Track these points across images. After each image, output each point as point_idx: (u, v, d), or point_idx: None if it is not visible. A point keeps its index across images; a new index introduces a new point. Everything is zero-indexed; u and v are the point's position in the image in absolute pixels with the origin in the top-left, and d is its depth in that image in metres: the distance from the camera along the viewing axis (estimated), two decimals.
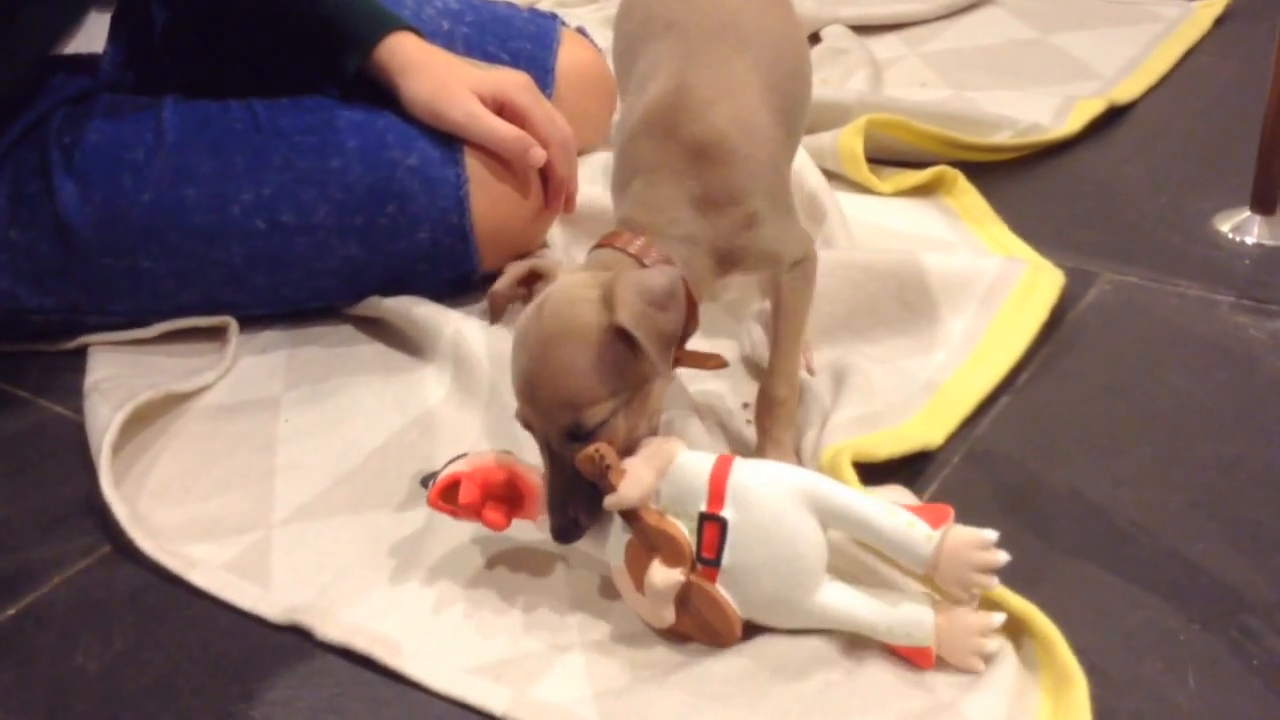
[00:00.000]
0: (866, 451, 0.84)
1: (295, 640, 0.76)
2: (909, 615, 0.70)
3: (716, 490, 0.71)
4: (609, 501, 0.71)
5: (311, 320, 1.09)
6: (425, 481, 0.78)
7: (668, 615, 0.72)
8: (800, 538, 0.70)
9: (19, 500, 0.91)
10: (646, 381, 0.73)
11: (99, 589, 0.82)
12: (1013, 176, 1.28)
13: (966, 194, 1.23)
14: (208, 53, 1.14)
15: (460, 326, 1.01)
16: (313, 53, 1.07)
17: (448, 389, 0.99)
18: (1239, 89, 1.44)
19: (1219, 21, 1.65)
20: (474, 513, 0.77)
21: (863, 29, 1.68)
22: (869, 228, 1.17)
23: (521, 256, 1.09)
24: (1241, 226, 1.13)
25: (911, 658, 0.70)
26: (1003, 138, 1.31)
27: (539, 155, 1.03)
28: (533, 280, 0.76)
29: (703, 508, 0.71)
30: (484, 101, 1.03)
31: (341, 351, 1.05)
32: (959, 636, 0.69)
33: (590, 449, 0.71)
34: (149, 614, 0.79)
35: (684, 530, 0.71)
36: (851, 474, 0.80)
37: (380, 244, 1.04)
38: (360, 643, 0.75)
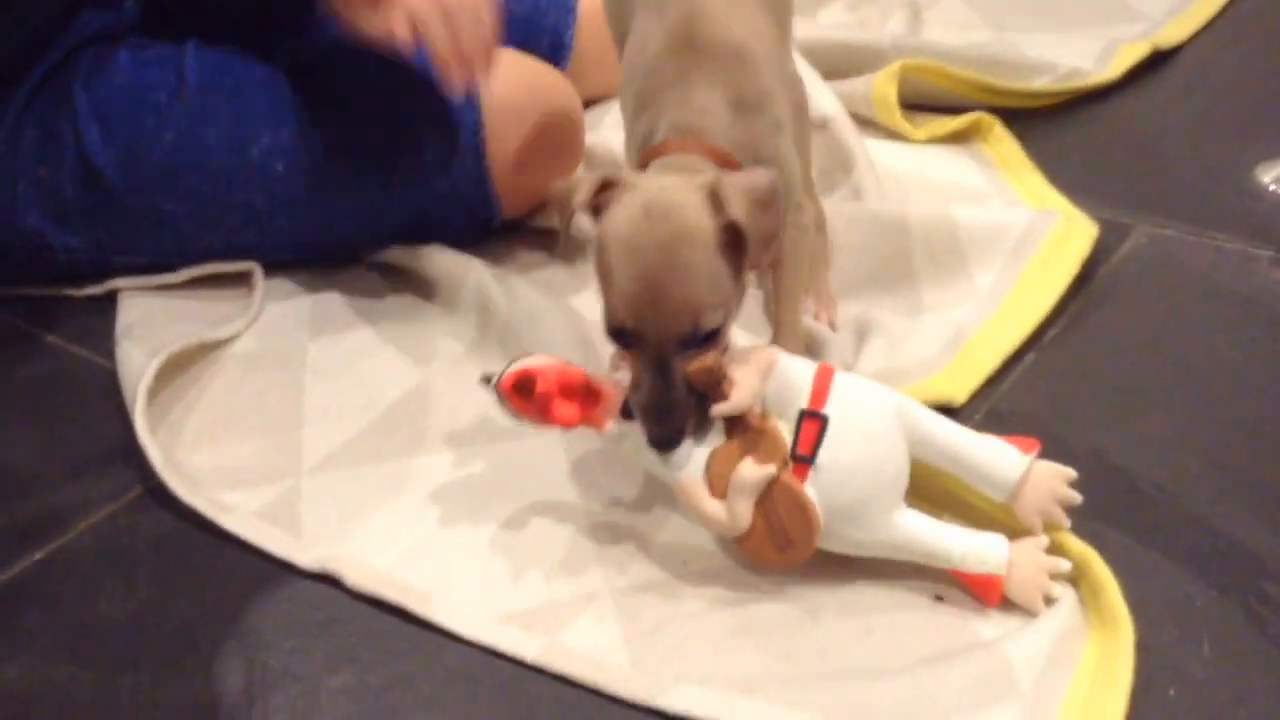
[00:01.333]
0: None
1: (314, 589, 0.77)
2: (985, 542, 0.71)
3: (820, 390, 0.72)
4: (722, 408, 0.71)
5: (335, 269, 1.09)
6: (488, 380, 0.77)
7: (744, 516, 0.71)
8: (893, 448, 0.72)
9: (47, 446, 0.92)
10: (741, 290, 0.73)
11: (124, 535, 0.83)
12: (1052, 123, 1.25)
13: (1003, 142, 1.20)
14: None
15: (482, 276, 1.00)
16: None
17: (471, 338, 0.99)
18: None
19: None
20: (543, 411, 0.75)
21: None
22: (901, 176, 1.15)
23: (544, 205, 1.10)
24: None
25: (979, 589, 0.71)
26: (1042, 83, 1.28)
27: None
28: (606, 189, 0.72)
29: (804, 405, 0.72)
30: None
31: (365, 301, 1.05)
32: (1029, 572, 0.70)
33: (706, 359, 0.70)
34: (173, 561, 0.81)
35: (782, 430, 0.72)
36: None
37: (397, 189, 1.04)
38: (391, 593, 0.76)
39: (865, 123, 1.21)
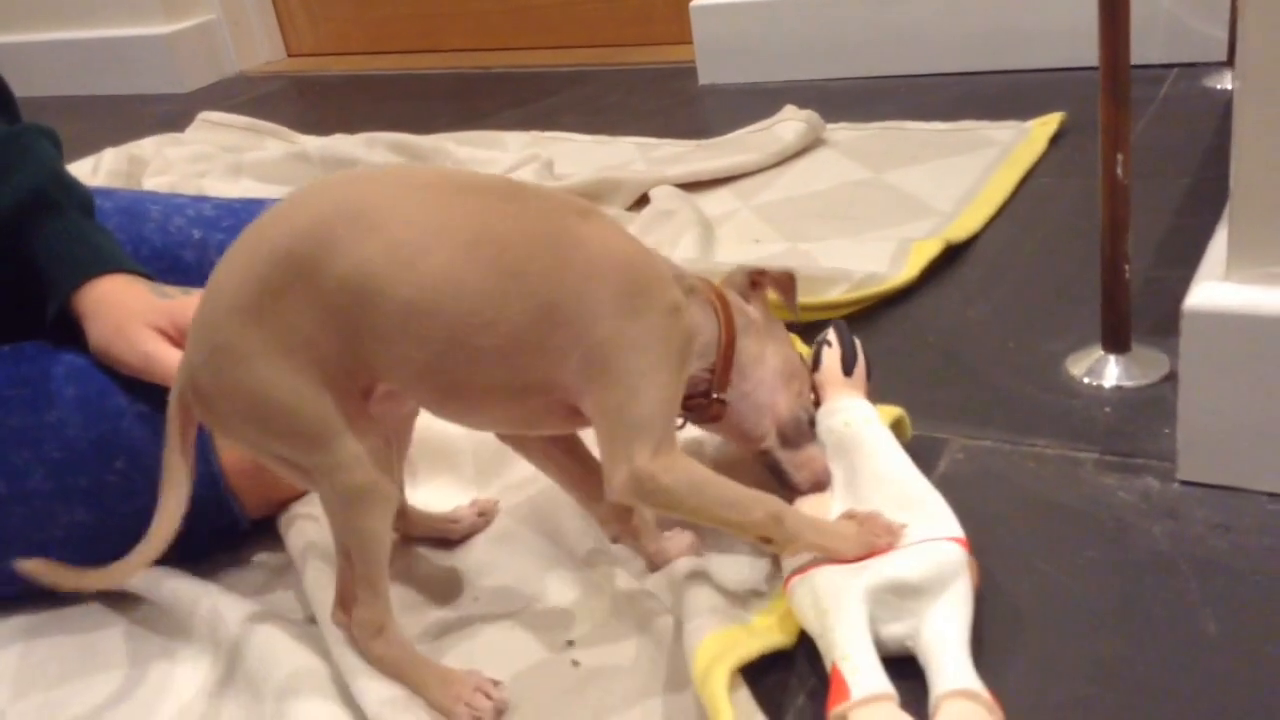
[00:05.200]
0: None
1: None
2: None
3: None
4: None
5: (53, 601, 0.92)
6: None
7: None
8: None
9: None
10: None
11: None
12: (854, 332, 1.17)
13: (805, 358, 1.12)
14: None
15: (218, 603, 0.85)
16: (16, 291, 0.93)
17: (204, 678, 0.83)
18: (1081, 211, 1.37)
19: (1055, 139, 1.59)
20: None
21: (693, 186, 1.60)
22: None
23: (296, 497, 0.97)
24: (1095, 369, 1.03)
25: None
26: (838, 293, 1.21)
27: None
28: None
29: None
30: (167, 334, 0.89)
31: (86, 640, 0.89)
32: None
33: None
34: None
35: None
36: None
37: (112, 505, 0.89)
38: None
39: None
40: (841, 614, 0.73)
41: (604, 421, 0.73)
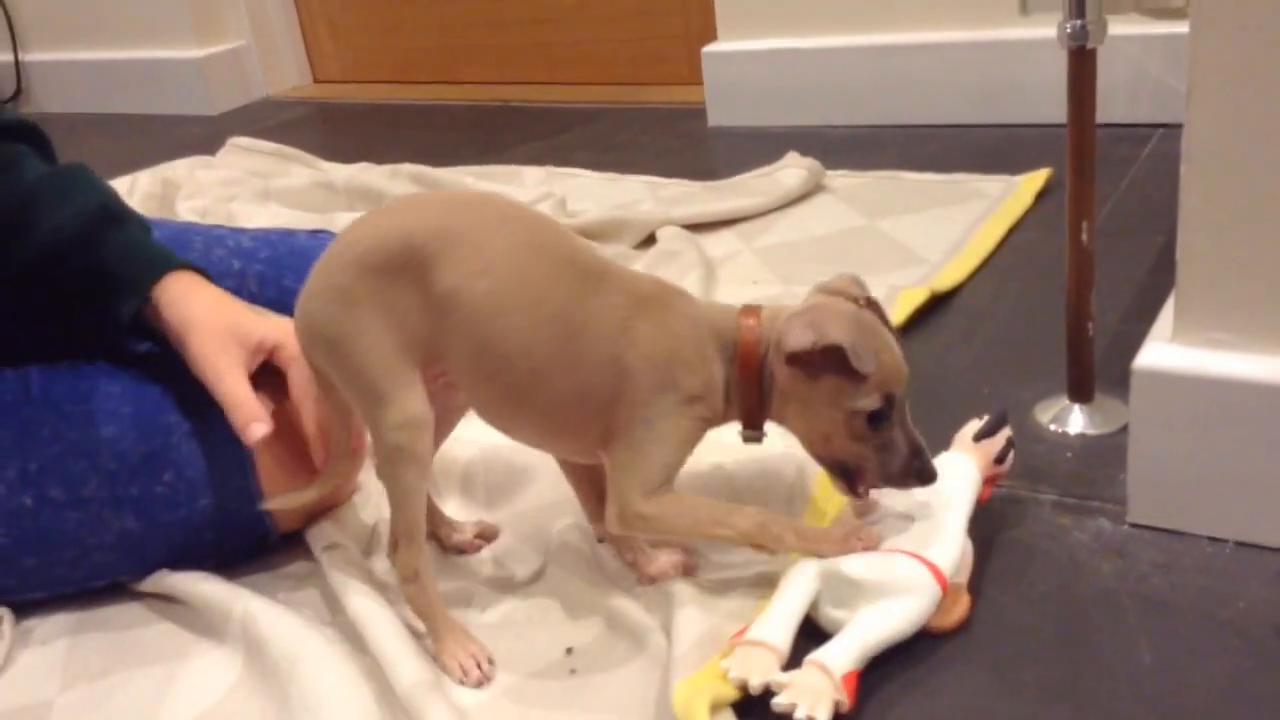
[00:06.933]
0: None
1: None
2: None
3: None
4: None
5: (99, 600, 1.01)
6: None
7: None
8: None
9: None
10: None
11: None
12: None
13: None
14: None
15: (249, 606, 0.94)
16: (88, 302, 1.01)
17: (238, 675, 0.91)
18: (1059, 265, 1.44)
19: (1041, 194, 1.68)
20: None
21: (698, 226, 1.69)
22: None
23: (324, 512, 1.05)
24: (1061, 417, 1.12)
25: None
26: None
27: (256, 433, 0.94)
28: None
29: None
30: (251, 350, 0.98)
31: (128, 636, 0.98)
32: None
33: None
34: None
35: None
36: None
37: (159, 514, 0.98)
38: None
39: None
40: (789, 579, 0.85)
41: (612, 473, 0.87)
